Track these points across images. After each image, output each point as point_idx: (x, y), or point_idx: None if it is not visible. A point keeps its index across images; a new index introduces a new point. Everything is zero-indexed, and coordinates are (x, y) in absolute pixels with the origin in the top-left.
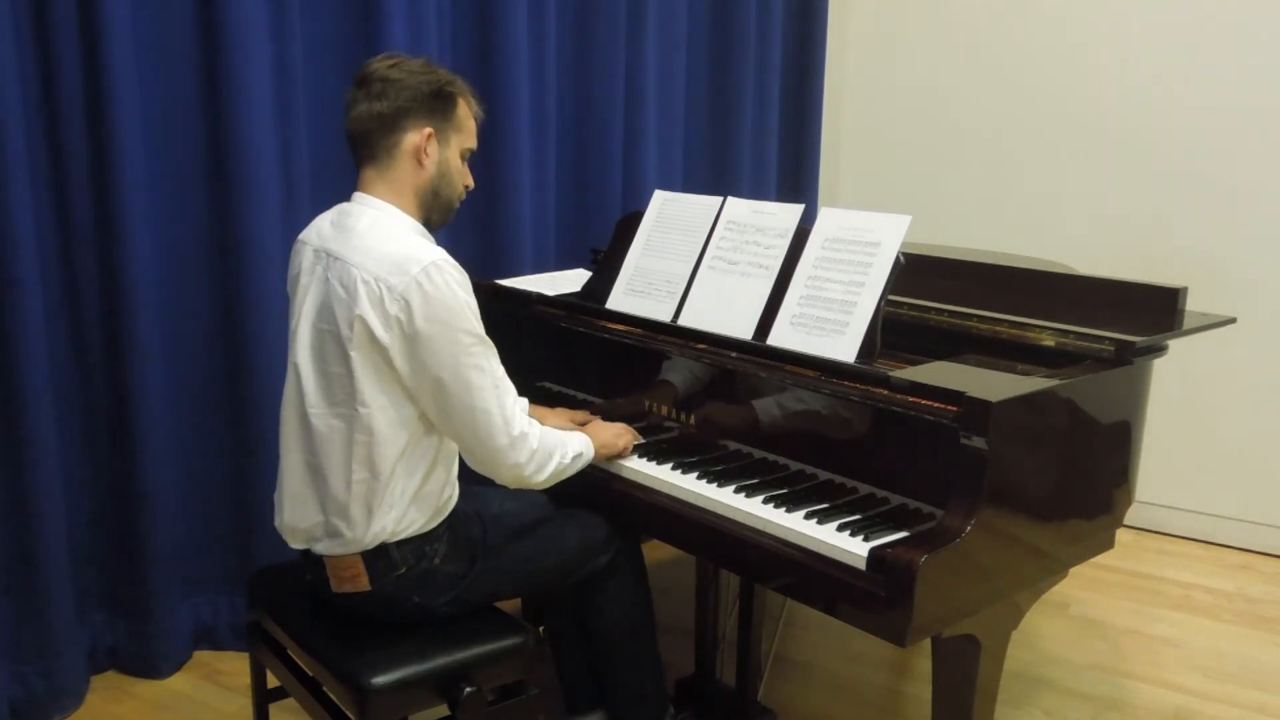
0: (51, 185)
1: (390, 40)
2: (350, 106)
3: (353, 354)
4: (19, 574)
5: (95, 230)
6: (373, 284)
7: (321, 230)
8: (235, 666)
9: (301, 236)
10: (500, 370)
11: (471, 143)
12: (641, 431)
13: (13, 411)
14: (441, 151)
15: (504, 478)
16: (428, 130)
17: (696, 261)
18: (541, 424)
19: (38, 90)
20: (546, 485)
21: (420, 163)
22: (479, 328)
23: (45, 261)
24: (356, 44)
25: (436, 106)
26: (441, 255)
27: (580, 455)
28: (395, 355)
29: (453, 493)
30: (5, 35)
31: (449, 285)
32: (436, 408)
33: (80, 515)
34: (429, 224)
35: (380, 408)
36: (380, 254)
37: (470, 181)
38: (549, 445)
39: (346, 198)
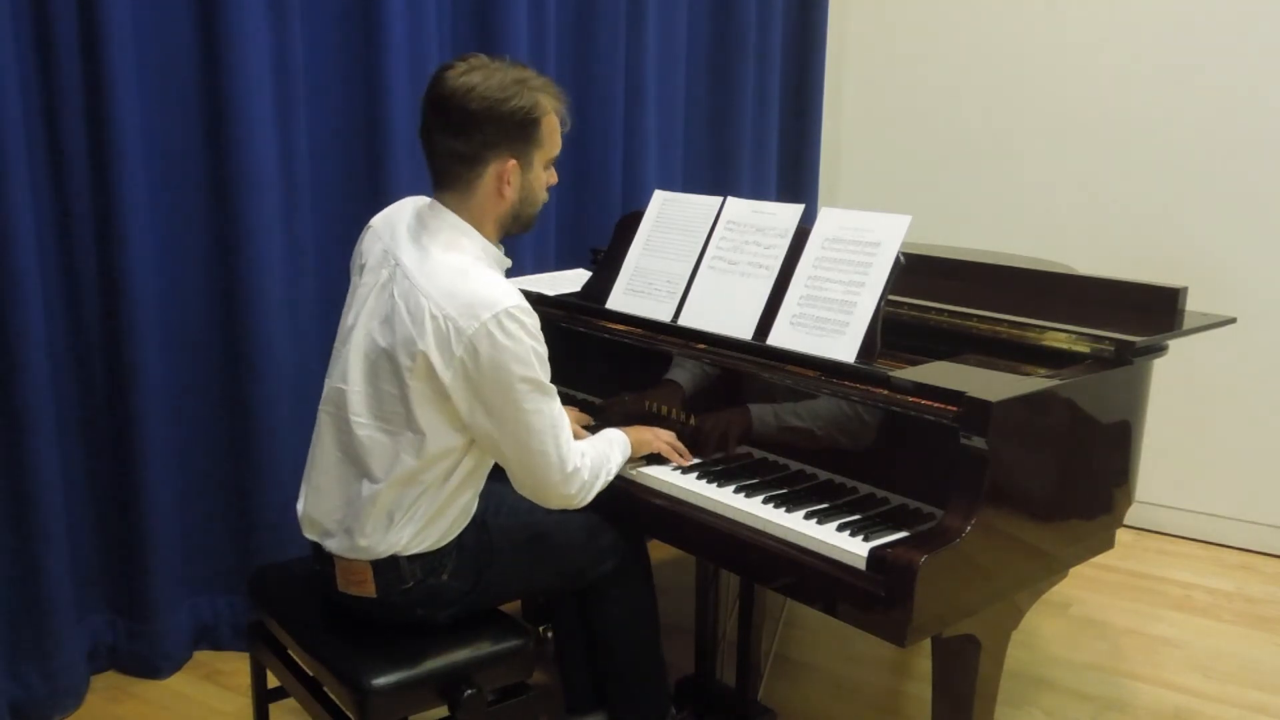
0: (52, 186)
1: (390, 41)
2: (427, 130)
3: (410, 383)
4: (19, 574)
5: (95, 231)
6: (441, 321)
7: (397, 233)
8: (235, 666)
9: (376, 224)
10: (558, 409)
11: (555, 151)
12: None
13: (13, 412)
14: (524, 175)
15: (552, 505)
16: (511, 161)
17: (696, 261)
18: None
19: (38, 91)
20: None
21: (502, 193)
22: (542, 374)
23: (45, 262)
24: (357, 43)
25: (521, 134)
26: (514, 301)
27: (620, 462)
28: (454, 393)
29: (472, 512)
30: (5, 37)
31: (519, 334)
32: (492, 445)
33: (80, 515)
34: (508, 236)
35: (434, 436)
36: (452, 290)
37: (554, 179)
38: (596, 469)
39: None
